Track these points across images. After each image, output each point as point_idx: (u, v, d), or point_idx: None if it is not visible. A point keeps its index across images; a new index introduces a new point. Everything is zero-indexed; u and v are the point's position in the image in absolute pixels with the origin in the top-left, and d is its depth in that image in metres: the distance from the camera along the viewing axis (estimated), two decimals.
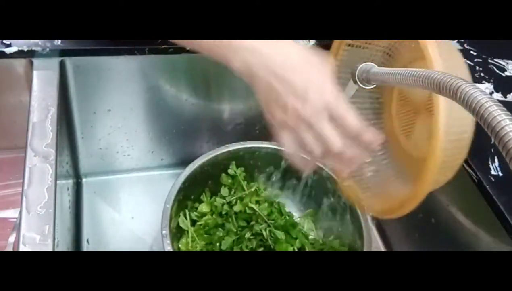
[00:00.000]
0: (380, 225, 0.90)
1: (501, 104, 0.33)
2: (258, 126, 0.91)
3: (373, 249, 0.85)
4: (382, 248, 0.88)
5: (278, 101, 0.47)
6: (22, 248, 0.50)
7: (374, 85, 0.53)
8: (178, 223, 0.72)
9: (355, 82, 0.54)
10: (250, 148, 0.78)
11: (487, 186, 0.62)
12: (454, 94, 0.36)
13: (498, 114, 0.32)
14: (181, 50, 0.73)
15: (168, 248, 0.64)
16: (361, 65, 0.53)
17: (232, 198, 0.77)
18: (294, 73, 0.46)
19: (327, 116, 0.47)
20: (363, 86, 0.54)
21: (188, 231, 0.73)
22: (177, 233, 0.72)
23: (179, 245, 0.72)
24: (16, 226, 0.52)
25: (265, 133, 0.91)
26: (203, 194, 0.78)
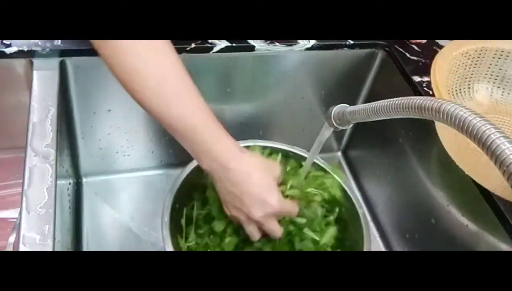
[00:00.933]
0: (380, 225, 0.90)
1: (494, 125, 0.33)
2: (259, 126, 0.91)
3: (373, 249, 0.85)
4: (382, 248, 0.88)
5: (235, 204, 0.59)
6: (22, 248, 0.50)
7: (351, 125, 0.55)
8: (177, 223, 0.72)
9: (330, 124, 0.56)
10: (249, 147, 0.78)
11: None
12: (437, 113, 0.37)
13: (497, 137, 0.33)
14: (181, 50, 0.73)
15: (168, 248, 0.64)
16: (335, 108, 0.56)
17: None
18: (253, 188, 0.57)
19: (274, 218, 0.60)
20: (340, 127, 0.56)
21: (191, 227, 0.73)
22: (176, 232, 0.72)
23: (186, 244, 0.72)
24: (16, 226, 0.52)
25: (267, 134, 0.92)
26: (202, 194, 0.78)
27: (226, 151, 0.57)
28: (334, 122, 0.57)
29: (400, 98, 0.43)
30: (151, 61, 0.54)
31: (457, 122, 0.36)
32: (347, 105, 0.56)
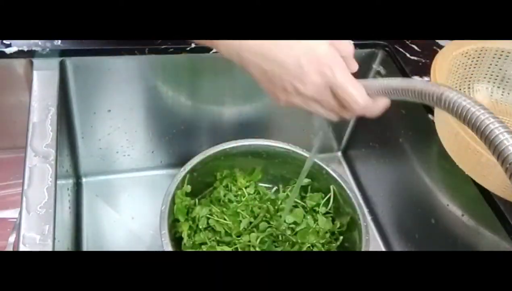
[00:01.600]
0: (380, 225, 0.90)
1: (495, 116, 0.33)
2: (259, 126, 0.91)
3: (373, 249, 0.85)
4: (382, 248, 0.88)
5: (283, 85, 0.49)
6: (22, 248, 0.50)
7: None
8: (177, 224, 0.72)
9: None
10: (249, 146, 0.79)
11: None
12: (438, 101, 0.36)
13: (495, 127, 0.32)
14: (181, 50, 0.73)
15: (168, 248, 0.64)
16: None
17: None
18: (291, 58, 0.48)
19: (330, 93, 0.48)
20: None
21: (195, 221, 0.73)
22: (176, 232, 0.72)
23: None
24: (16, 226, 0.52)
25: (267, 134, 0.92)
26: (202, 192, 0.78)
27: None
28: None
29: (400, 79, 0.42)
30: None
31: (459, 112, 0.35)
32: None
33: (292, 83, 0.48)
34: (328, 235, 0.75)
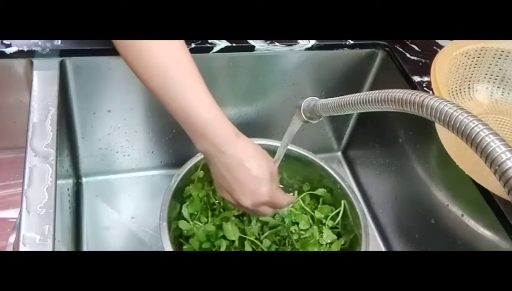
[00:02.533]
0: (380, 225, 0.90)
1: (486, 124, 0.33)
2: (259, 126, 0.91)
3: (373, 249, 0.85)
4: (382, 248, 0.88)
5: (226, 189, 0.59)
6: (22, 248, 0.50)
7: (321, 118, 0.54)
8: (177, 224, 0.73)
9: (299, 117, 0.56)
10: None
11: None
12: (420, 107, 0.36)
13: (491, 139, 0.32)
14: None
15: (168, 248, 0.64)
16: (305, 100, 0.54)
17: None
18: (244, 176, 0.57)
19: (264, 204, 0.60)
20: (310, 121, 0.55)
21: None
22: (176, 232, 0.72)
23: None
24: (16, 226, 0.52)
25: (267, 134, 0.92)
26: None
27: (222, 134, 0.56)
28: (304, 116, 0.55)
29: (378, 91, 0.42)
30: (158, 50, 0.55)
31: (442, 118, 0.35)
32: (317, 98, 0.54)
33: (238, 195, 0.58)
34: (330, 249, 0.75)
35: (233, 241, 0.71)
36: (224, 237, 0.71)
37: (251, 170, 0.57)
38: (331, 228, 0.77)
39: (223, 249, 0.69)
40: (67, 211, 0.69)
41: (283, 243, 0.75)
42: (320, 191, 0.79)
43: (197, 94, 0.57)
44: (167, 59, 0.55)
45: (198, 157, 0.74)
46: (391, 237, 0.87)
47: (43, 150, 0.58)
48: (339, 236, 0.76)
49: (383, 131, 0.88)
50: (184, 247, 0.72)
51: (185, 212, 0.74)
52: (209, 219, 0.74)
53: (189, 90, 0.56)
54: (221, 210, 0.75)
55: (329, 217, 0.77)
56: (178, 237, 0.73)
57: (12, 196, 0.80)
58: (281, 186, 0.83)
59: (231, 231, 0.70)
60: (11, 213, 0.77)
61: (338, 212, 0.76)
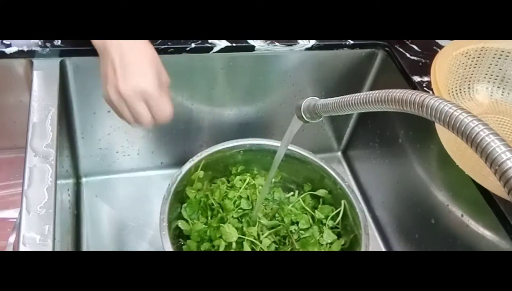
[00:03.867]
0: (380, 225, 0.90)
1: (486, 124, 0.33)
2: (259, 126, 0.91)
3: (373, 249, 0.85)
4: (382, 248, 0.88)
5: (107, 74, 0.55)
6: (22, 248, 0.50)
7: (321, 118, 0.54)
8: (177, 224, 0.73)
9: (300, 117, 0.55)
10: (252, 145, 0.79)
11: None
12: (420, 107, 0.36)
13: (491, 139, 0.32)
14: (181, 50, 0.73)
15: (168, 248, 0.64)
16: (305, 100, 0.54)
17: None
18: (135, 60, 0.54)
19: (142, 100, 0.55)
20: (310, 121, 0.55)
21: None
22: (176, 233, 0.72)
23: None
24: (16, 226, 0.52)
25: (267, 134, 0.92)
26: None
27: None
28: (304, 116, 0.55)
29: (378, 91, 0.42)
30: None
31: (442, 118, 0.35)
32: (317, 98, 0.54)
33: (119, 78, 0.54)
34: (330, 249, 0.75)
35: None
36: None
37: (144, 60, 0.55)
38: (331, 228, 0.77)
39: (222, 249, 0.69)
40: (67, 211, 0.69)
41: (282, 242, 0.75)
42: (321, 192, 0.79)
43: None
44: None
45: (198, 157, 0.74)
46: (391, 237, 0.87)
47: (43, 150, 0.58)
48: (339, 236, 0.76)
49: (383, 131, 0.88)
50: (183, 246, 0.72)
51: (185, 212, 0.74)
52: (208, 219, 0.74)
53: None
54: (220, 210, 0.75)
55: (329, 217, 0.77)
56: (178, 236, 0.73)
57: (12, 196, 0.80)
58: (281, 185, 0.83)
59: (229, 233, 0.70)
60: (11, 213, 0.77)
61: (338, 212, 0.76)
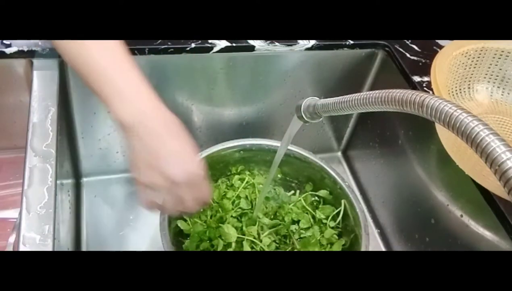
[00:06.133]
0: (380, 225, 0.90)
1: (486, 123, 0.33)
2: (259, 126, 0.91)
3: (373, 249, 0.85)
4: (382, 248, 0.88)
5: (150, 162, 0.51)
6: (22, 248, 0.50)
7: (321, 118, 0.54)
8: (177, 224, 0.73)
9: (299, 117, 0.55)
10: (252, 145, 0.79)
11: None
12: (420, 107, 0.36)
13: (491, 139, 0.32)
14: (181, 50, 0.73)
15: (168, 248, 0.64)
16: (305, 101, 0.54)
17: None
18: (177, 144, 0.51)
19: (189, 185, 0.52)
20: (310, 121, 0.55)
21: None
22: (176, 232, 0.72)
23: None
24: (16, 226, 0.52)
25: (267, 134, 0.92)
26: None
27: (146, 98, 0.51)
28: (304, 116, 0.55)
29: (378, 91, 0.42)
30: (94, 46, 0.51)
31: (442, 118, 0.35)
32: (317, 98, 0.54)
33: (167, 166, 0.51)
34: (330, 249, 0.75)
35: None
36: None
37: (183, 140, 0.51)
38: (332, 228, 0.77)
39: (220, 248, 0.69)
40: (67, 211, 0.69)
41: (283, 242, 0.75)
42: (322, 192, 0.79)
43: (113, 56, 0.50)
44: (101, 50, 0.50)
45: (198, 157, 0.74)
46: (391, 237, 0.87)
47: (43, 150, 0.58)
48: (340, 236, 0.76)
49: (383, 131, 0.88)
50: (183, 245, 0.72)
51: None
52: (208, 218, 0.74)
53: (105, 52, 0.50)
54: (219, 210, 0.75)
55: (330, 217, 0.77)
56: (178, 236, 0.73)
57: (12, 196, 0.80)
58: (282, 183, 0.83)
59: (228, 234, 0.70)
60: (11, 213, 0.77)
61: (339, 212, 0.76)
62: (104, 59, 0.50)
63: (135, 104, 0.50)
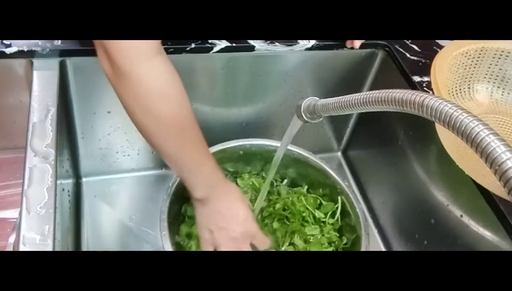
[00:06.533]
0: (380, 225, 0.90)
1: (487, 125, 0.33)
2: (259, 126, 0.91)
3: (373, 249, 0.85)
4: (382, 248, 0.88)
5: (218, 223, 0.63)
6: (22, 248, 0.50)
7: (321, 118, 0.54)
8: (177, 224, 0.73)
9: (300, 117, 0.55)
10: (252, 145, 0.79)
11: None
12: (420, 107, 0.36)
13: (491, 140, 0.32)
14: (181, 50, 0.73)
15: (167, 248, 0.64)
16: (305, 101, 0.54)
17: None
18: (237, 209, 0.65)
19: (246, 238, 0.65)
20: (310, 121, 0.55)
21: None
22: (176, 232, 0.72)
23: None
24: (16, 226, 0.52)
25: (267, 134, 0.92)
26: None
27: (214, 176, 0.63)
28: (304, 116, 0.55)
29: (378, 91, 0.42)
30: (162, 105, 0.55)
31: (442, 118, 0.35)
32: (317, 98, 0.54)
33: (231, 226, 0.63)
34: (332, 248, 0.75)
35: None
36: None
37: (243, 207, 0.65)
38: (331, 224, 0.77)
39: None
40: (67, 211, 0.69)
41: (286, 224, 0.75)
42: (322, 193, 0.79)
43: (194, 148, 0.61)
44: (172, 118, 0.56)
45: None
46: (391, 237, 0.87)
47: (43, 150, 0.58)
48: (340, 236, 0.77)
49: (383, 131, 0.88)
50: (183, 243, 0.72)
51: (185, 212, 0.74)
52: None
53: (187, 145, 0.60)
54: None
55: (329, 214, 0.77)
56: (178, 236, 0.73)
57: (12, 196, 0.80)
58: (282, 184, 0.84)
59: None
60: (11, 213, 0.77)
61: (337, 208, 0.76)
62: (193, 160, 0.61)
63: (206, 182, 0.62)
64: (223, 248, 0.63)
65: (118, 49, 0.51)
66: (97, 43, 0.53)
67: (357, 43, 0.80)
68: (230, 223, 0.63)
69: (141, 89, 0.53)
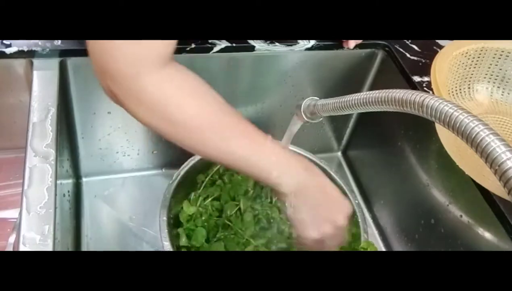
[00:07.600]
0: (380, 225, 0.90)
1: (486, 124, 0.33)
2: (259, 126, 0.91)
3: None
4: (382, 248, 0.88)
5: (324, 215, 0.55)
6: (22, 248, 0.50)
7: (321, 118, 0.54)
8: (177, 224, 0.72)
9: (299, 117, 0.56)
10: None
11: None
12: (420, 107, 0.36)
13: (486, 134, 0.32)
14: (181, 50, 0.73)
15: (168, 247, 0.64)
16: (305, 101, 0.54)
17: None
18: (334, 193, 0.56)
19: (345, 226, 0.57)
20: (310, 121, 0.55)
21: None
22: (176, 232, 0.72)
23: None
24: (16, 226, 0.52)
25: (266, 134, 0.91)
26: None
27: (293, 163, 0.54)
28: (304, 116, 0.55)
29: (378, 91, 0.42)
30: (187, 107, 0.51)
31: (442, 118, 0.35)
32: (317, 98, 0.54)
33: (337, 215, 0.56)
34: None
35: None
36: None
37: (332, 187, 0.56)
38: None
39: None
40: (67, 211, 0.69)
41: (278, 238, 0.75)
42: None
43: (253, 141, 0.53)
44: (200, 116, 0.51)
45: (198, 157, 0.74)
46: (391, 237, 0.87)
47: (43, 150, 0.58)
48: None
49: (383, 131, 0.88)
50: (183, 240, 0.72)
51: (184, 214, 0.74)
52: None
53: (236, 142, 0.52)
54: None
55: None
56: (177, 236, 0.73)
57: (12, 196, 0.80)
58: None
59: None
60: (11, 213, 0.77)
61: None
62: (243, 148, 0.52)
63: (288, 173, 0.52)
64: (335, 242, 0.58)
65: (117, 69, 0.49)
66: (97, 70, 0.51)
67: (352, 43, 0.78)
68: (333, 212, 0.56)
69: (155, 106, 0.49)
